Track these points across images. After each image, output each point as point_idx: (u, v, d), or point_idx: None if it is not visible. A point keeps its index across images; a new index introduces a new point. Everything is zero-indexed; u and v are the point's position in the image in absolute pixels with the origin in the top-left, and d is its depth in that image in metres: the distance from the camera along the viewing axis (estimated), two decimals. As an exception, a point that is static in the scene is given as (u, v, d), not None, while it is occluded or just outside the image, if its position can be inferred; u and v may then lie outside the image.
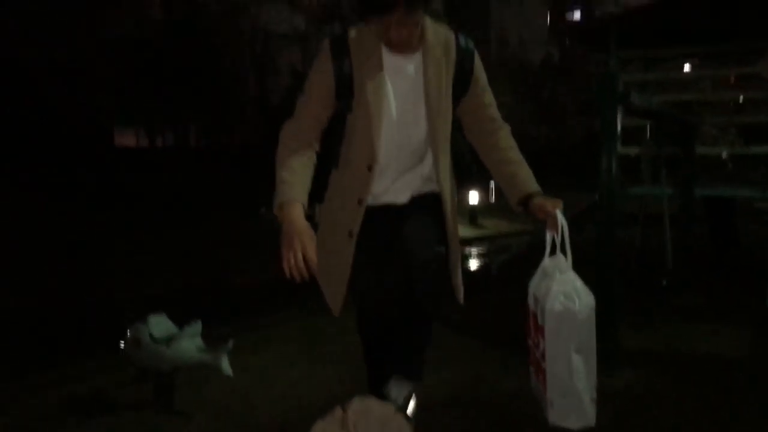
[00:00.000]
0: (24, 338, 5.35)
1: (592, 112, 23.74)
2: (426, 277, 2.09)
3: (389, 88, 2.05)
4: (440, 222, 2.19)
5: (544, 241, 2.16)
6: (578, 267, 2.18)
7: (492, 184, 20.26)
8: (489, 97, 2.21)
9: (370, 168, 2.08)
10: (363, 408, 1.77)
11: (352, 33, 2.07)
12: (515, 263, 6.32)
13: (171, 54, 15.11)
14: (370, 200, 2.15)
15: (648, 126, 6.04)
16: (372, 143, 2.05)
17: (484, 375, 3.41)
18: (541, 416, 2.84)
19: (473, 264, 9.00)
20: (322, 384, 3.35)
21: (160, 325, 2.87)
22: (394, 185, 2.16)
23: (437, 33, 2.09)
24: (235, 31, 17.17)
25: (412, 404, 2.21)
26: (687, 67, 11.02)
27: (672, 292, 5.21)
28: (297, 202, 1.98)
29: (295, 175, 2.02)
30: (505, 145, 2.19)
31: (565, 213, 2.09)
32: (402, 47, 2.03)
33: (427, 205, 2.19)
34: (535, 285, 2.17)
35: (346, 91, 2.05)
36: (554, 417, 2.13)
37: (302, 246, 1.91)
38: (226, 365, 2.73)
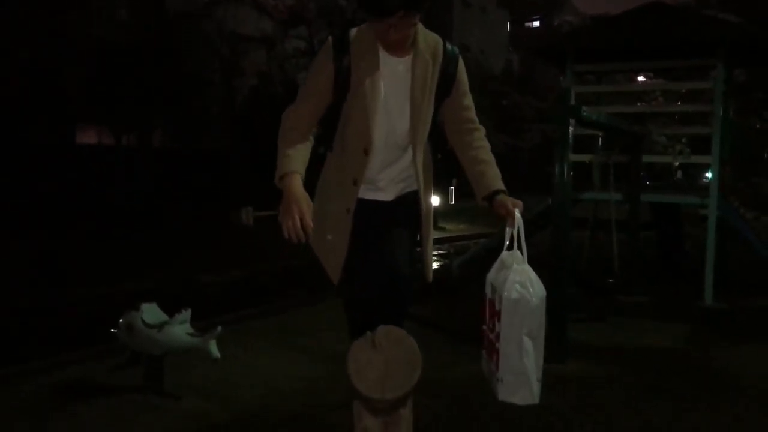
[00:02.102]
0: (15, 330, 5.45)
1: (548, 119, 24.40)
2: (404, 281, 2.36)
3: (382, 84, 2.29)
4: (417, 216, 2.46)
5: (502, 243, 2.45)
6: (534, 267, 2.46)
7: (452, 187, 20.72)
8: (468, 101, 2.46)
9: (366, 151, 2.31)
10: (385, 332, 2.17)
11: (353, 32, 2.31)
12: (473, 264, 6.66)
13: (137, 54, 15.09)
14: (362, 193, 2.37)
15: (600, 135, 6.44)
16: (368, 129, 2.28)
17: (454, 360, 3.76)
18: (488, 398, 3.19)
19: (434, 264, 9.33)
20: (298, 371, 3.62)
21: (151, 312, 3.09)
22: (380, 176, 2.39)
23: (427, 38, 2.33)
24: (201, 32, 17.21)
25: None
26: (641, 78, 11.60)
27: (618, 291, 5.61)
28: (297, 173, 2.20)
29: (296, 150, 2.25)
30: (478, 145, 2.43)
31: (523, 215, 2.40)
32: (397, 48, 2.26)
33: (408, 204, 2.45)
34: (492, 276, 2.38)
35: (344, 83, 2.28)
36: (503, 393, 2.29)
37: (300, 212, 2.11)
38: (214, 349, 2.98)
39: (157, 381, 3.10)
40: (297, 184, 2.18)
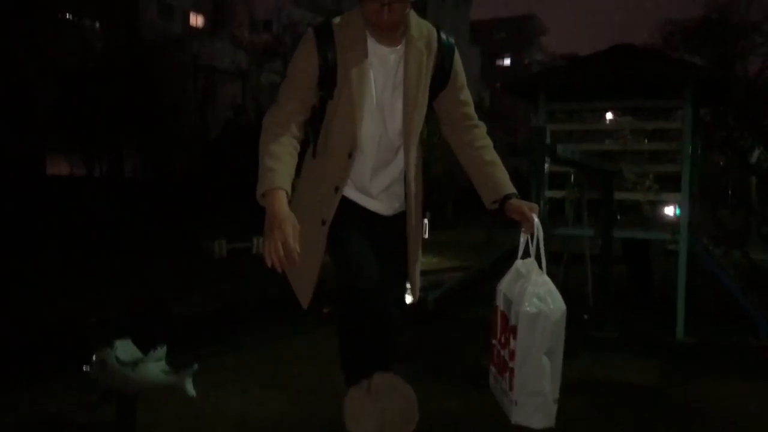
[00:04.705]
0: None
1: (518, 154, 24.83)
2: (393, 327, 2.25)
3: (372, 76, 2.07)
4: (405, 240, 2.24)
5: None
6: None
7: (425, 220, 20.79)
8: (466, 96, 2.25)
9: (350, 155, 2.08)
10: (381, 379, 2.05)
11: (337, 20, 2.08)
12: (449, 298, 6.69)
13: (112, 83, 15.01)
14: (351, 195, 2.16)
15: (572, 172, 6.56)
16: (354, 131, 2.05)
17: (429, 396, 3.73)
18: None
19: (410, 298, 9.30)
20: (274, 406, 3.58)
21: (125, 349, 3.03)
22: (372, 182, 2.17)
23: (420, 27, 2.12)
24: (177, 64, 17.23)
25: None
26: (609, 116, 11.85)
27: (592, 326, 5.66)
28: (281, 190, 1.94)
29: (280, 162, 1.97)
30: (481, 144, 2.23)
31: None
32: (388, 36, 2.05)
33: (399, 227, 2.24)
34: (506, 285, 2.15)
35: (329, 79, 2.06)
36: (518, 416, 2.08)
37: (282, 236, 1.84)
38: (190, 387, 2.92)
39: (130, 419, 3.04)
40: (280, 202, 1.91)
